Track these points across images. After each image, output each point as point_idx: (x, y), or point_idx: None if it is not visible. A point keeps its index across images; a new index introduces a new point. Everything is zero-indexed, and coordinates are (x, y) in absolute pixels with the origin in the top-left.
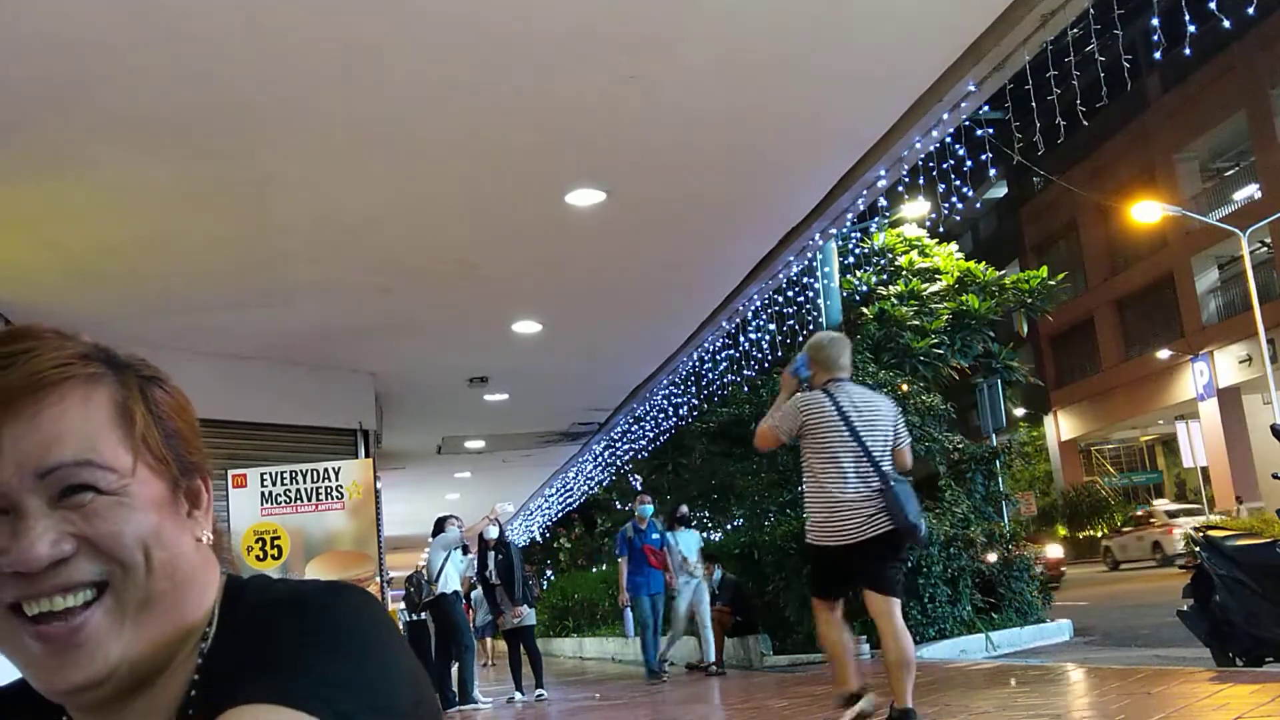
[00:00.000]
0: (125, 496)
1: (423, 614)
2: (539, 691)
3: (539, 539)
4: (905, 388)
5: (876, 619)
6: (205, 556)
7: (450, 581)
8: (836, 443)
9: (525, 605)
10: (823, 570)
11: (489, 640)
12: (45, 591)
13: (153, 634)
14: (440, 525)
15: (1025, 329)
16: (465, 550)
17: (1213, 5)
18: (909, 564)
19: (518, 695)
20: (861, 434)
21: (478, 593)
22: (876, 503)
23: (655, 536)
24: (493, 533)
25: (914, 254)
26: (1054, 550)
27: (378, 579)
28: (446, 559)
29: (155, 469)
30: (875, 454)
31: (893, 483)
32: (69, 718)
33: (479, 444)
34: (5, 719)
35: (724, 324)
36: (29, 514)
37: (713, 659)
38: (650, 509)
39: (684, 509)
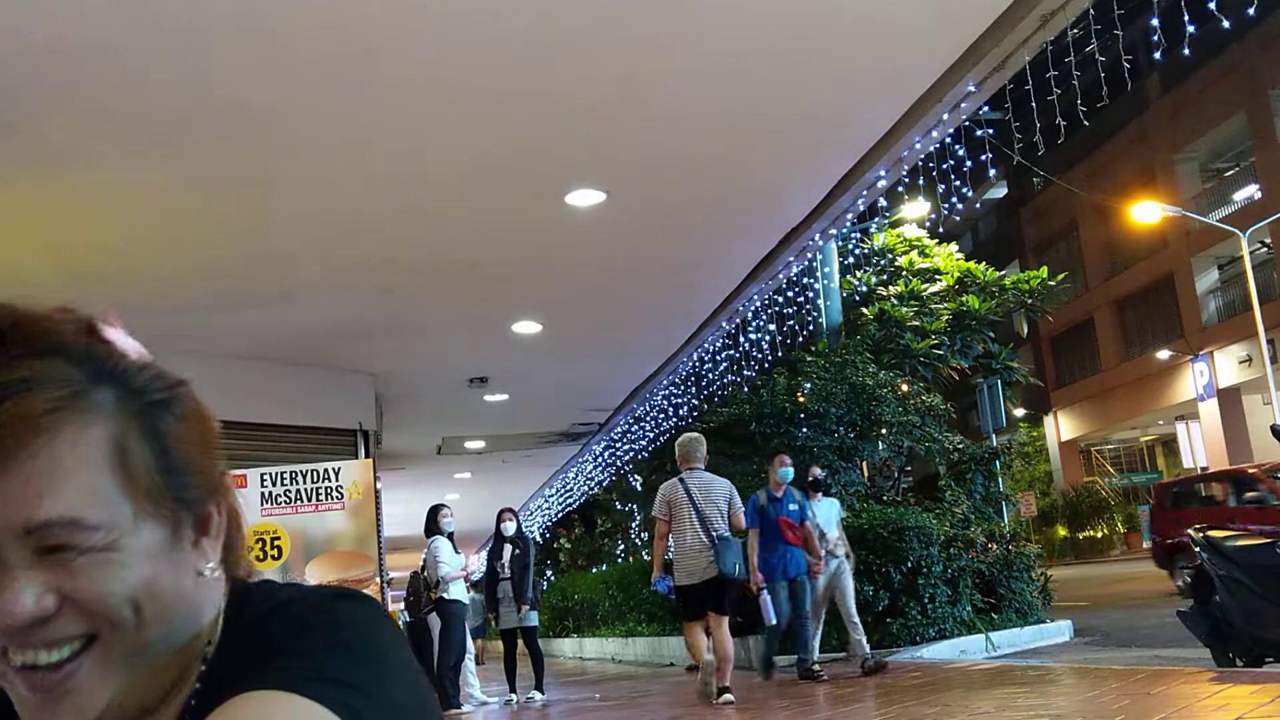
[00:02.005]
0: (115, 552)
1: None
2: (532, 694)
3: (538, 539)
4: (905, 388)
5: (713, 630)
6: (208, 585)
7: (456, 588)
8: (684, 514)
9: (527, 605)
10: (685, 602)
11: (481, 640)
12: (30, 644)
13: (149, 672)
14: (434, 515)
15: (1025, 329)
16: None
17: (1213, 5)
18: (909, 565)
19: (513, 696)
20: (700, 508)
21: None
22: (709, 556)
23: (793, 507)
24: (510, 528)
25: (914, 254)
26: None
27: (378, 580)
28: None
29: (151, 514)
30: (709, 522)
31: (718, 542)
32: None
33: (479, 444)
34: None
35: (724, 324)
36: (11, 567)
37: (867, 652)
38: (790, 472)
39: (819, 471)
